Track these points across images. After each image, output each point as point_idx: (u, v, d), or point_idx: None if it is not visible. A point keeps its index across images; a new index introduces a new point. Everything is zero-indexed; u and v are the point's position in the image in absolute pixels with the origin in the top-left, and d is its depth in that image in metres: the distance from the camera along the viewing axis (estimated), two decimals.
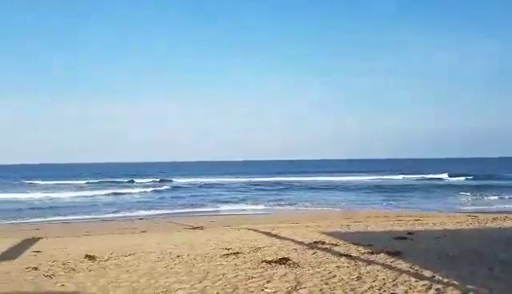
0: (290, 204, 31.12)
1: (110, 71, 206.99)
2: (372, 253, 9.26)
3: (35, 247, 11.54)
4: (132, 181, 62.25)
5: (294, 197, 37.34)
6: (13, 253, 10.35)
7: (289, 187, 49.88)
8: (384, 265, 7.99)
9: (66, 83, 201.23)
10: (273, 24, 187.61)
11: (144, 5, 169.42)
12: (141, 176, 73.06)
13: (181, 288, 6.57)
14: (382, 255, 9.05)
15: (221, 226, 17.30)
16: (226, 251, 9.89)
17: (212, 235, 13.38)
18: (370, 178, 63.56)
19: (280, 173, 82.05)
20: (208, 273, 7.65)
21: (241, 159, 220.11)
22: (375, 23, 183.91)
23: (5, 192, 42.09)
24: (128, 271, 8.05)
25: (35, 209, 29.53)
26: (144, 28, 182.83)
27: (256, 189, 46.58)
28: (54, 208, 30.06)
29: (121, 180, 66.16)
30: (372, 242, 10.76)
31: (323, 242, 10.89)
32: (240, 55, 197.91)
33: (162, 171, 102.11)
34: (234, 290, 6.44)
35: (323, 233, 13.05)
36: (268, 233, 13.14)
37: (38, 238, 13.44)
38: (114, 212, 27.40)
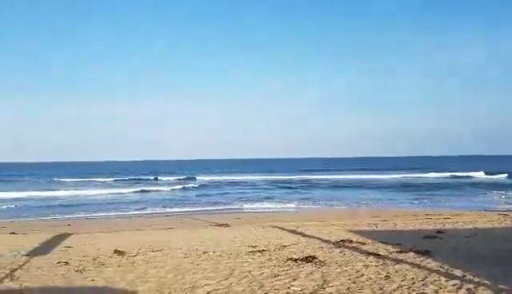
0: (315, 202, 30.92)
1: (132, 71, 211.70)
2: (401, 252, 9.08)
3: (66, 242, 11.84)
4: (157, 179, 63.21)
5: (319, 195, 37.10)
6: (45, 248, 10.66)
7: (314, 185, 49.62)
8: (413, 264, 7.82)
9: (80, 84, 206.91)
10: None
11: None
12: (165, 174, 74.04)
13: (207, 284, 6.60)
14: (411, 254, 8.86)
15: (246, 224, 17.33)
16: (252, 249, 9.89)
17: (237, 232, 13.41)
18: (399, 176, 62.26)
19: (304, 171, 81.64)
20: (233, 270, 7.67)
21: (265, 157, 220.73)
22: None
23: (36, 189, 43.50)
24: (155, 267, 8.16)
25: (66, 206, 30.39)
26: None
27: (280, 187, 46.48)
28: (84, 205, 30.86)
29: (146, 177, 67.35)
30: (401, 240, 10.55)
31: (350, 241, 10.75)
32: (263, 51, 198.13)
33: (185, 168, 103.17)
34: (260, 287, 6.42)
35: (350, 231, 12.88)
36: (294, 231, 13.07)
37: (69, 234, 13.79)
38: (141, 209, 27.91)
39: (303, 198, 33.68)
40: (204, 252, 9.64)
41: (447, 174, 63.36)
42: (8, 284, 6.86)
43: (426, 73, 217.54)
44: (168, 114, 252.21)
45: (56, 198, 36.73)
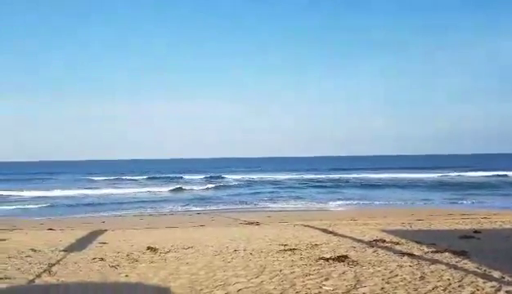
0: (347, 201, 30.51)
1: (166, 72, 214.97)
2: (436, 252, 8.82)
3: (101, 238, 12.15)
4: (182, 177, 63.97)
5: (351, 194, 36.58)
6: (81, 244, 10.97)
7: (345, 184, 48.93)
8: (449, 265, 7.57)
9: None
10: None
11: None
12: (191, 173, 74.86)
13: (238, 282, 6.61)
14: (447, 254, 8.59)
15: (276, 222, 17.29)
16: (283, 247, 9.85)
17: (268, 231, 13.40)
18: (436, 175, 60.36)
19: (334, 170, 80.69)
20: (264, 268, 7.64)
21: (282, 156, 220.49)
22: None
23: (72, 188, 44.93)
24: (187, 263, 8.24)
25: (101, 204, 31.24)
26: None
27: (309, 186, 46.17)
28: (118, 203, 31.63)
29: (174, 175, 68.33)
30: (436, 240, 10.25)
31: (383, 241, 10.52)
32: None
33: (209, 167, 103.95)
34: (291, 286, 6.37)
35: (383, 231, 12.62)
36: (325, 230, 12.93)
37: (104, 231, 14.16)
38: (172, 207, 28.35)
39: (334, 197, 33.30)
40: (235, 250, 9.66)
41: (486, 173, 61.00)
42: (46, 279, 7.09)
43: (465, 71, 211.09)
44: (188, 114, 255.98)
45: (90, 195, 37.82)
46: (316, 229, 13.48)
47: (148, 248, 10.12)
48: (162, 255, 9.34)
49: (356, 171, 75.79)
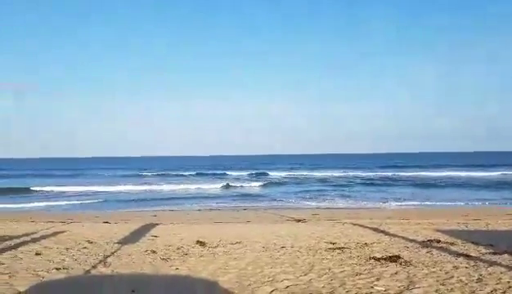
0: (398, 199, 29.55)
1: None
2: (494, 254, 8.31)
3: (153, 232, 12.52)
4: (226, 174, 64.60)
5: (403, 192, 35.39)
6: (134, 237, 11.35)
7: (397, 181, 47.39)
8: (509, 267, 7.09)
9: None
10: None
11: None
12: (234, 170, 75.43)
13: (286, 279, 6.54)
14: (505, 256, 8.07)
15: (324, 220, 17.04)
16: (331, 246, 9.67)
17: (315, 228, 13.23)
18: (496, 173, 56.97)
19: (385, 167, 78.39)
20: (313, 266, 7.52)
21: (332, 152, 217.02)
22: None
23: (124, 183, 46.74)
24: (235, 258, 8.29)
25: (153, 199, 32.28)
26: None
27: (358, 184, 45.15)
28: (168, 198, 32.56)
29: (218, 171, 69.22)
30: (494, 241, 9.66)
31: (438, 241, 10.07)
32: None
33: (251, 164, 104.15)
34: (341, 285, 6.22)
35: (437, 230, 12.07)
36: (376, 229, 12.56)
37: (155, 224, 14.58)
38: (219, 202, 28.75)
39: (385, 195, 32.37)
40: (282, 247, 9.61)
41: None
42: (101, 270, 7.38)
43: None
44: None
45: (141, 191, 39.17)
46: (366, 227, 13.13)
47: (197, 242, 10.30)
48: (211, 249, 9.46)
49: (409, 168, 73.00)
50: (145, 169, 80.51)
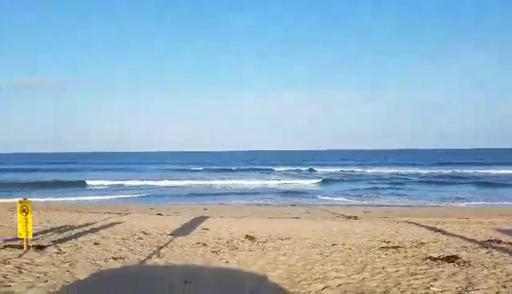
0: (456, 198, 28.14)
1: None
2: None
3: (203, 225, 12.74)
4: (272, 169, 64.28)
5: (461, 190, 33.67)
6: (186, 230, 11.61)
7: (455, 179, 45.03)
8: None
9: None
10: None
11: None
12: (280, 165, 74.92)
13: (338, 277, 6.38)
14: None
15: (377, 217, 16.55)
16: (385, 244, 9.35)
17: (368, 226, 12.87)
18: None
19: (442, 164, 74.83)
20: (365, 265, 7.30)
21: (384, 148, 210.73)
22: None
23: (175, 177, 48.03)
24: (284, 254, 8.23)
25: (203, 193, 32.95)
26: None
27: (412, 181, 43.45)
28: (218, 192, 33.11)
29: (262, 167, 69.11)
30: None
31: (499, 241, 9.45)
32: None
33: (297, 159, 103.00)
34: (395, 285, 5.97)
35: (498, 230, 11.35)
36: (432, 228, 12.02)
37: (206, 218, 14.83)
38: (268, 198, 28.80)
39: (442, 194, 30.92)
40: (333, 244, 9.42)
41: None
42: (155, 260, 7.59)
43: None
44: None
45: (193, 185, 40.07)
46: (422, 226, 12.60)
47: (246, 237, 10.34)
48: (260, 244, 9.46)
49: (468, 165, 68.96)
50: (192, 164, 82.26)
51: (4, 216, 13.10)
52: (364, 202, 26.31)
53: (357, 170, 61.38)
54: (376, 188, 36.72)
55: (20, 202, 7.80)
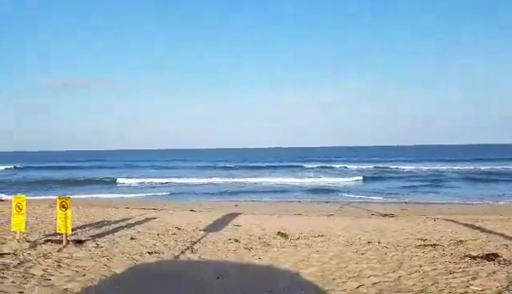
0: (496, 195, 27.02)
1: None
2: None
3: (235, 221, 12.80)
4: (302, 166, 62.70)
5: (500, 187, 32.30)
6: (218, 226, 11.69)
7: (492, 175, 43.26)
8: None
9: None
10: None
11: None
12: (309, 162, 73.67)
13: (373, 275, 6.25)
14: None
15: (413, 215, 16.13)
16: (422, 242, 9.09)
17: (404, 224, 12.55)
18: None
19: (482, 160, 71.97)
20: (402, 263, 7.11)
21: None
22: None
23: (206, 175, 48.51)
24: (318, 252, 8.14)
25: (234, 190, 33.13)
26: None
27: (449, 177, 42.04)
28: (249, 189, 33.19)
29: (293, 163, 68.27)
30: None
31: None
32: None
33: (324, 156, 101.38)
34: (433, 284, 5.79)
35: None
36: (471, 226, 11.59)
37: (238, 214, 14.89)
38: (299, 195, 28.61)
39: (482, 191, 29.74)
40: (368, 242, 9.24)
41: None
42: (189, 255, 7.68)
43: None
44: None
45: (224, 182, 40.33)
46: (460, 224, 12.17)
47: (278, 233, 10.30)
48: (292, 241, 9.41)
49: (509, 161, 65.90)
50: (222, 161, 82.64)
51: (45, 212, 13.61)
52: (400, 200, 25.70)
53: (392, 167, 59.74)
54: (413, 185, 35.77)
55: (60, 198, 8.07)
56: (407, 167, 56.95)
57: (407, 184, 36.45)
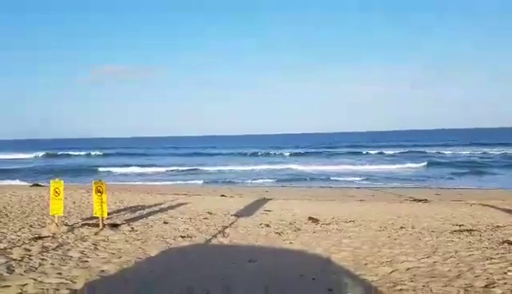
0: None
1: None
2: None
3: (266, 206, 12.85)
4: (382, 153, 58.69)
5: None
6: (249, 210, 11.78)
7: None
8: None
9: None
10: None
11: None
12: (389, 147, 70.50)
13: (407, 261, 6.13)
14: None
15: (448, 200, 15.73)
16: (458, 228, 8.84)
17: (439, 209, 12.25)
18: None
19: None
20: (437, 248, 6.94)
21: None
22: None
23: (234, 162, 48.67)
24: (349, 237, 8.06)
25: (263, 175, 33.21)
26: None
27: (487, 161, 40.53)
28: (282, 175, 33.20)
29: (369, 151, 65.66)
30: None
31: None
32: None
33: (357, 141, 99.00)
34: (469, 269, 5.62)
35: None
36: (509, 211, 11.19)
37: (268, 199, 14.95)
38: (328, 181, 28.39)
39: None
40: (401, 227, 9.07)
41: None
42: (221, 239, 7.78)
43: None
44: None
45: (255, 168, 40.41)
46: (498, 209, 11.78)
47: (309, 219, 10.27)
48: (323, 226, 9.35)
49: None
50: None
51: (82, 197, 14.09)
52: (434, 184, 25.10)
53: (430, 151, 57.54)
54: (448, 168, 34.82)
55: (95, 182, 8.31)
56: (447, 152, 55.11)
57: (441, 167, 35.51)
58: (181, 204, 13.00)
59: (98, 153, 68.65)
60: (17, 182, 26.18)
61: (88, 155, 65.55)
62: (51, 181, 8.59)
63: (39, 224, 8.66)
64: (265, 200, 14.71)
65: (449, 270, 5.63)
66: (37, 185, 21.21)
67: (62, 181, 8.43)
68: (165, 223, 9.31)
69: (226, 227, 9.02)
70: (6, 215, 9.98)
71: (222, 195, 17.66)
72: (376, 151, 59.76)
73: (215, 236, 8.03)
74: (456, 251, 6.66)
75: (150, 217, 10.08)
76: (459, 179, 28.31)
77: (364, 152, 60.10)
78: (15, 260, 5.81)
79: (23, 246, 6.66)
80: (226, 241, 7.67)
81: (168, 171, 38.86)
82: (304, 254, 6.76)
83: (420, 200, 15.82)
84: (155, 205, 12.58)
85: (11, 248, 6.48)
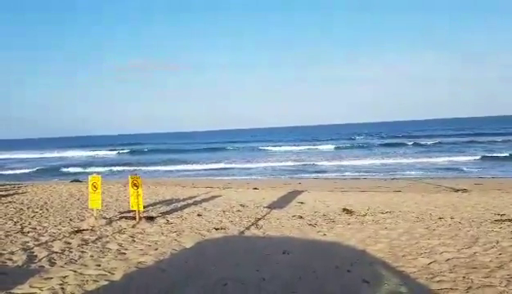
0: None
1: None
2: None
3: (299, 198, 12.78)
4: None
5: None
6: (281, 203, 11.75)
7: None
8: None
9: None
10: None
11: None
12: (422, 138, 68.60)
13: (446, 251, 5.94)
14: None
15: (489, 189, 15.13)
16: (499, 217, 8.51)
17: (479, 198, 11.82)
18: None
19: None
20: (477, 238, 6.70)
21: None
22: None
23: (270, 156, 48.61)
24: (386, 228, 7.90)
25: (299, 169, 33.05)
26: None
27: None
28: (316, 166, 32.96)
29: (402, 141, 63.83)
30: None
31: None
32: None
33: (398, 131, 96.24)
34: (511, 260, 5.39)
35: None
36: None
37: (301, 191, 14.86)
38: (363, 172, 27.91)
39: None
40: (440, 218, 8.81)
41: None
42: (254, 231, 7.79)
43: None
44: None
45: (289, 162, 40.28)
46: None
47: (343, 210, 10.14)
48: (359, 217, 9.21)
49: None
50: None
51: (119, 191, 14.48)
52: (474, 174, 24.22)
53: (463, 140, 55.65)
54: (488, 157, 33.46)
55: (131, 177, 8.50)
56: (482, 139, 53.12)
57: (479, 156, 34.18)
58: (215, 197, 13.13)
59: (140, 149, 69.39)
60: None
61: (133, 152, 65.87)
62: (89, 176, 8.86)
63: (78, 218, 8.96)
64: (298, 192, 14.63)
65: (490, 261, 5.42)
66: (76, 181, 21.97)
67: (100, 176, 8.67)
68: (199, 215, 9.42)
69: (259, 219, 9.03)
70: (47, 209, 10.39)
71: (255, 188, 17.70)
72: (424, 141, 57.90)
73: (248, 228, 8.06)
74: (498, 242, 6.41)
75: (184, 210, 10.23)
76: (498, 168, 27.17)
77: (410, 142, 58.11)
78: (56, 252, 6.03)
79: (63, 239, 6.91)
80: (259, 233, 7.68)
81: (200, 167, 39.29)
82: (339, 246, 6.67)
83: (459, 190, 15.30)
84: (189, 198, 12.76)
85: (52, 241, 6.74)
